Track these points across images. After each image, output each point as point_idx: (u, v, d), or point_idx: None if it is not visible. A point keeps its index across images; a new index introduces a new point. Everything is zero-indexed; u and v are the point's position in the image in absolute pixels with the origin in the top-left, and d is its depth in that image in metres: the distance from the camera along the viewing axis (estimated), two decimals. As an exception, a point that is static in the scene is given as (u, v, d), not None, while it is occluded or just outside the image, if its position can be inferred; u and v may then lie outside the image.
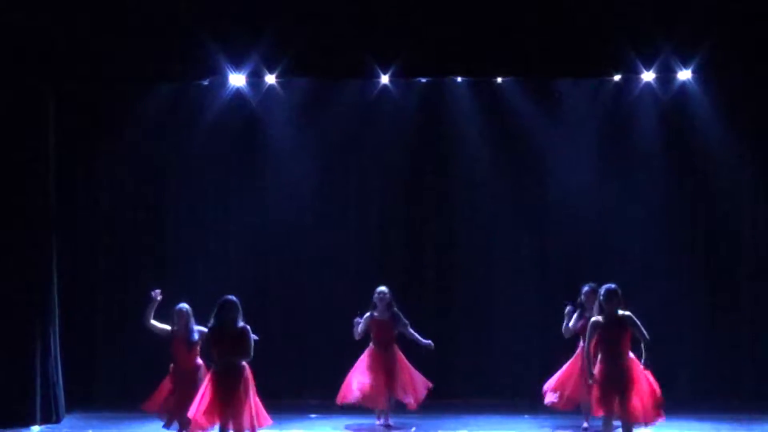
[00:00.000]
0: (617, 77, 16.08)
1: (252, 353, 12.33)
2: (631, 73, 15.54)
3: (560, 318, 14.26)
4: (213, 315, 12.40)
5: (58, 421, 15.24)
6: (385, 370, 14.38)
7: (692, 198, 16.98)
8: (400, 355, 14.64)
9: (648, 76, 15.62)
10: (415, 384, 14.63)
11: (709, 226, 16.91)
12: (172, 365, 13.24)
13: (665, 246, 16.83)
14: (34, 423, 14.96)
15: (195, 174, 17.08)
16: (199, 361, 13.17)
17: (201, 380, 12.85)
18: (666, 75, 15.63)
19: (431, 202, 17.33)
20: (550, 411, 14.75)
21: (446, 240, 17.27)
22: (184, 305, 13.22)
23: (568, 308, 14.12)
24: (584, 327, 13.16)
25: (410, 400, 14.60)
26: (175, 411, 13.06)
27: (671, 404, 15.52)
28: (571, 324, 14.08)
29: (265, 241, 17.10)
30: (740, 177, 16.77)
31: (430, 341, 14.56)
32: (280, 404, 15.43)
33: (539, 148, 17.05)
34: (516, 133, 17.04)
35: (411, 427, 14.85)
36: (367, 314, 14.32)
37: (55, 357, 15.29)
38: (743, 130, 16.57)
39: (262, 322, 15.83)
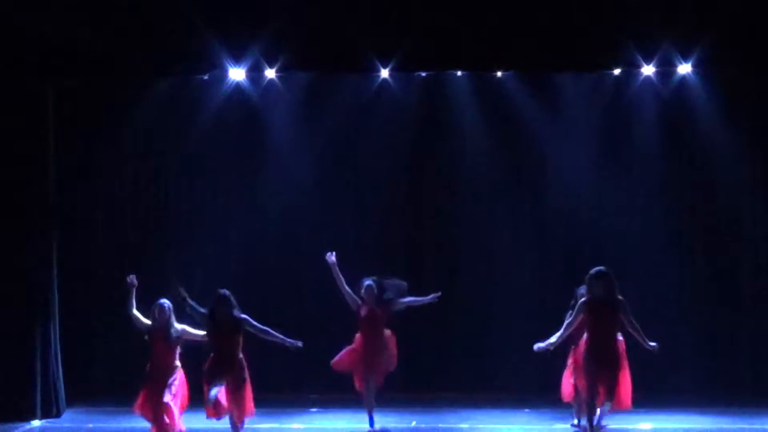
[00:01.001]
0: (617, 71, 16.06)
1: (262, 327, 12.76)
2: (631, 67, 15.52)
3: (560, 314, 14.22)
4: (208, 309, 12.79)
5: (58, 415, 15.28)
6: (370, 351, 14.00)
7: (692, 192, 16.97)
8: (391, 340, 14.12)
9: (648, 70, 15.61)
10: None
11: (709, 221, 16.90)
12: (148, 365, 13.01)
13: (665, 241, 16.82)
14: (34, 417, 15.00)
15: (195, 169, 17.09)
16: (178, 362, 12.97)
17: (175, 384, 12.80)
18: (666, 69, 15.63)
19: (431, 196, 17.32)
20: (550, 405, 14.76)
21: (446, 234, 17.26)
22: (165, 301, 13.04)
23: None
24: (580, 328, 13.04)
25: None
26: (150, 411, 12.89)
27: (672, 398, 15.66)
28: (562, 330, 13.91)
29: (264, 234, 17.09)
30: (740, 172, 16.75)
31: (432, 296, 14.13)
32: (280, 398, 15.51)
33: (540, 142, 17.03)
34: (516, 126, 17.02)
35: (411, 422, 14.87)
36: (358, 301, 14.01)
37: (56, 351, 15.32)
38: (743, 125, 16.57)
39: (261, 316, 15.84)
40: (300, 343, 12.75)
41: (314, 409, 15.70)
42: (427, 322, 16.57)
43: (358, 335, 14.16)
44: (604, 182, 16.93)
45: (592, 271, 12.54)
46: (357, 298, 14.04)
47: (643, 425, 14.24)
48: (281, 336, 12.81)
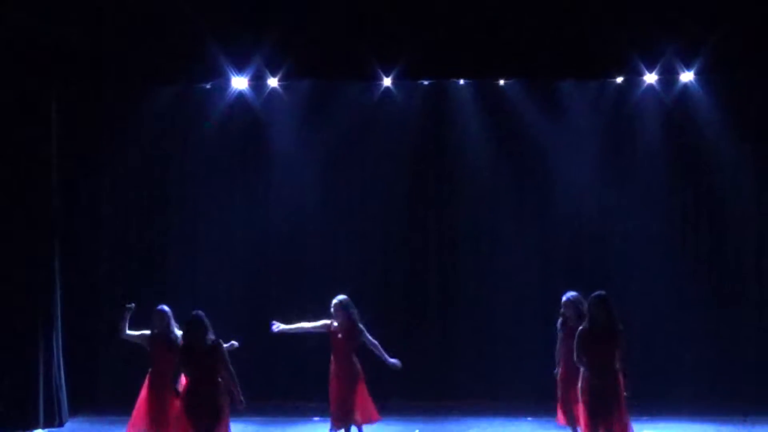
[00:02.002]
0: (620, 79, 16.08)
1: (230, 366, 11.57)
2: (634, 75, 15.56)
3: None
4: (182, 335, 11.92)
5: (61, 424, 15.29)
6: (348, 390, 13.33)
7: (694, 198, 17.00)
8: (360, 375, 13.34)
9: (650, 77, 15.64)
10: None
11: (712, 227, 16.93)
12: (149, 371, 12.85)
13: (667, 247, 16.85)
14: (37, 426, 14.99)
15: (197, 177, 17.11)
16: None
17: (178, 390, 12.42)
18: (668, 77, 15.66)
19: (434, 204, 17.34)
20: (553, 413, 14.72)
21: (449, 242, 17.27)
22: (164, 307, 12.84)
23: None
24: (568, 339, 12.70)
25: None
26: (154, 421, 12.72)
27: (674, 405, 15.62)
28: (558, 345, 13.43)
29: (267, 243, 17.11)
30: (743, 178, 16.78)
31: (396, 361, 13.22)
32: (283, 407, 15.50)
33: (542, 150, 17.05)
34: (519, 135, 17.06)
35: (414, 430, 14.85)
36: (327, 322, 13.38)
37: (58, 360, 15.32)
38: (745, 131, 16.60)
39: (264, 324, 15.80)
40: (244, 405, 11.67)
41: (317, 418, 15.66)
42: (429, 330, 16.58)
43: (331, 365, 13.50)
44: (607, 189, 16.95)
45: (593, 296, 11.87)
46: (325, 322, 13.40)
47: (646, 433, 14.25)
48: (238, 389, 11.60)
